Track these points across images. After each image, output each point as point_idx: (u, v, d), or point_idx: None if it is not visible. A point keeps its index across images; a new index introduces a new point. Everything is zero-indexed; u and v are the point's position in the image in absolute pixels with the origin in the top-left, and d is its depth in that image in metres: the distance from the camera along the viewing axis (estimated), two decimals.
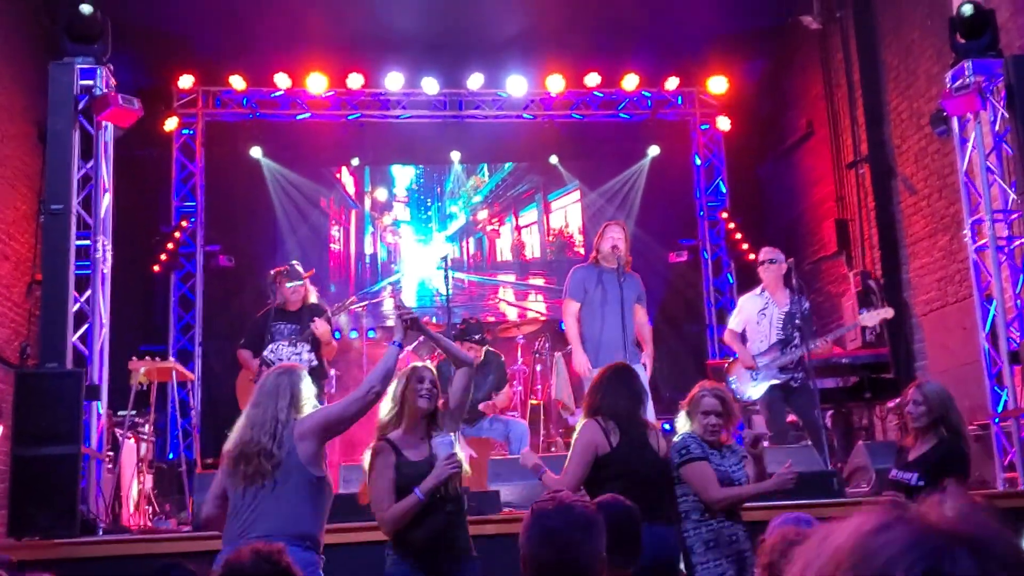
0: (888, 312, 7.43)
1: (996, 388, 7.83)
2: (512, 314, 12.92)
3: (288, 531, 3.95)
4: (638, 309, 7.46)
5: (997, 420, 7.72)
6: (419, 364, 4.66)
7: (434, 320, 11.93)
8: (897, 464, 5.16)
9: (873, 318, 7.44)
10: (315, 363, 7.28)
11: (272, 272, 7.82)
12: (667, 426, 9.69)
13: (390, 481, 4.36)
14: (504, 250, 13.38)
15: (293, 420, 4.17)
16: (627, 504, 3.50)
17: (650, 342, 7.55)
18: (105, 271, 7.39)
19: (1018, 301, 7.85)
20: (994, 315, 7.84)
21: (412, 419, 4.51)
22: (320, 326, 7.31)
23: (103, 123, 7.46)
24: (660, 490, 4.76)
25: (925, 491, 4.99)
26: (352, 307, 8.03)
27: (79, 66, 7.31)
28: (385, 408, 4.54)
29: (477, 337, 7.84)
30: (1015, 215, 7.89)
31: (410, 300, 12.87)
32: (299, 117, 12.29)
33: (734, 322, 8.05)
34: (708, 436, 4.94)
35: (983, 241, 8.02)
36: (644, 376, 7.18)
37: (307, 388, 4.33)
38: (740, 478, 4.94)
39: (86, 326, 7.16)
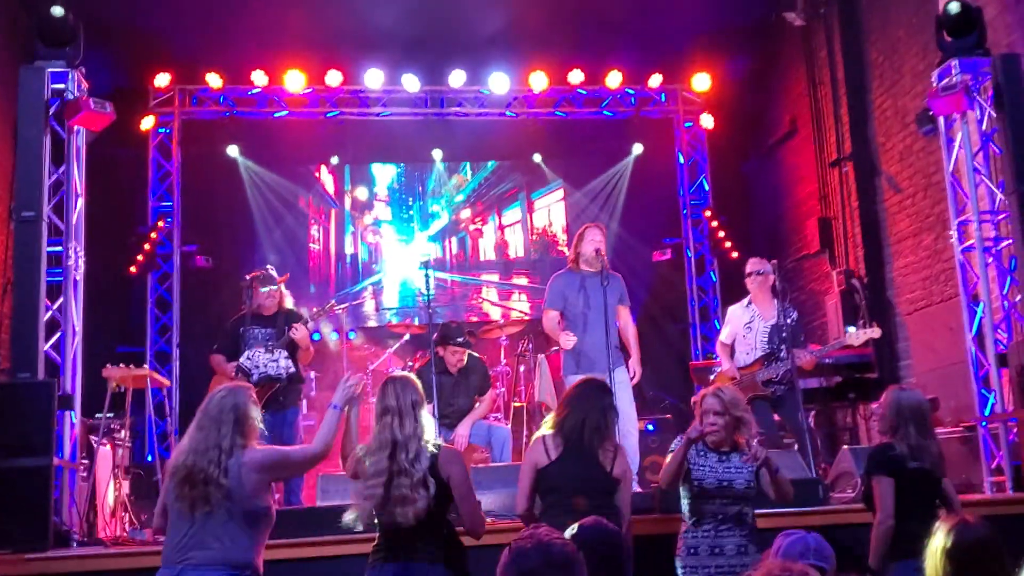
0: (876, 332, 7.34)
1: (983, 391, 7.76)
2: (495, 314, 12.82)
3: (229, 560, 3.95)
4: (621, 311, 7.36)
5: (985, 423, 7.66)
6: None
7: (416, 321, 11.84)
8: None
9: (860, 337, 7.37)
10: (292, 369, 7.18)
11: (247, 277, 7.70)
12: (650, 427, 9.67)
13: None
14: (487, 249, 13.27)
15: (240, 447, 4.06)
16: (610, 528, 3.40)
17: (636, 345, 7.44)
18: (78, 278, 7.25)
19: (1005, 303, 7.79)
20: (981, 317, 7.78)
21: None
22: (299, 331, 7.22)
23: (75, 127, 7.31)
24: (596, 506, 4.55)
25: (865, 497, 4.96)
26: (333, 310, 7.90)
27: (50, 70, 7.16)
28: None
29: (460, 340, 7.72)
30: (1002, 216, 7.82)
31: (392, 301, 12.75)
32: (277, 115, 12.13)
33: (724, 334, 8.01)
34: (708, 436, 4.89)
35: (970, 242, 7.95)
36: (627, 384, 7.08)
37: (254, 411, 4.19)
38: (739, 482, 4.84)
39: (59, 334, 7.02)
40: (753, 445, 4.87)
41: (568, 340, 7.11)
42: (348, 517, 4.31)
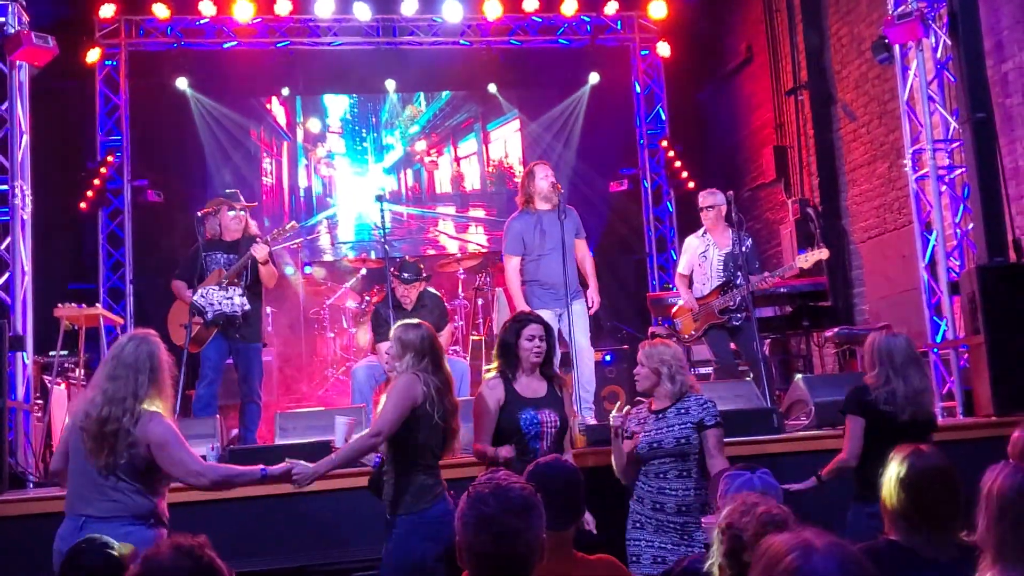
0: (824, 253, 7.39)
1: (935, 318, 7.88)
2: (452, 247, 12.76)
3: (130, 510, 3.89)
4: (578, 243, 7.34)
5: (936, 350, 7.78)
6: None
7: (373, 255, 11.75)
8: None
9: (808, 260, 7.40)
10: (247, 307, 7.03)
11: (208, 203, 7.49)
12: (608, 357, 9.73)
13: None
14: (443, 182, 13.15)
15: (152, 398, 3.97)
16: (569, 466, 3.41)
17: (594, 275, 7.44)
18: (25, 216, 7.10)
19: (958, 231, 7.87)
20: (934, 245, 7.86)
21: None
22: (260, 249, 6.97)
23: (17, 62, 7.10)
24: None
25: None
26: (291, 232, 7.69)
27: None
28: None
29: (406, 276, 7.64)
30: (956, 144, 7.86)
31: (347, 235, 12.64)
32: (226, 46, 11.85)
33: (682, 265, 8.06)
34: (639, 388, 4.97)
35: (924, 171, 7.99)
36: (583, 316, 7.08)
37: (166, 359, 4.09)
38: (668, 441, 4.73)
39: (7, 274, 6.91)
40: (614, 416, 4.88)
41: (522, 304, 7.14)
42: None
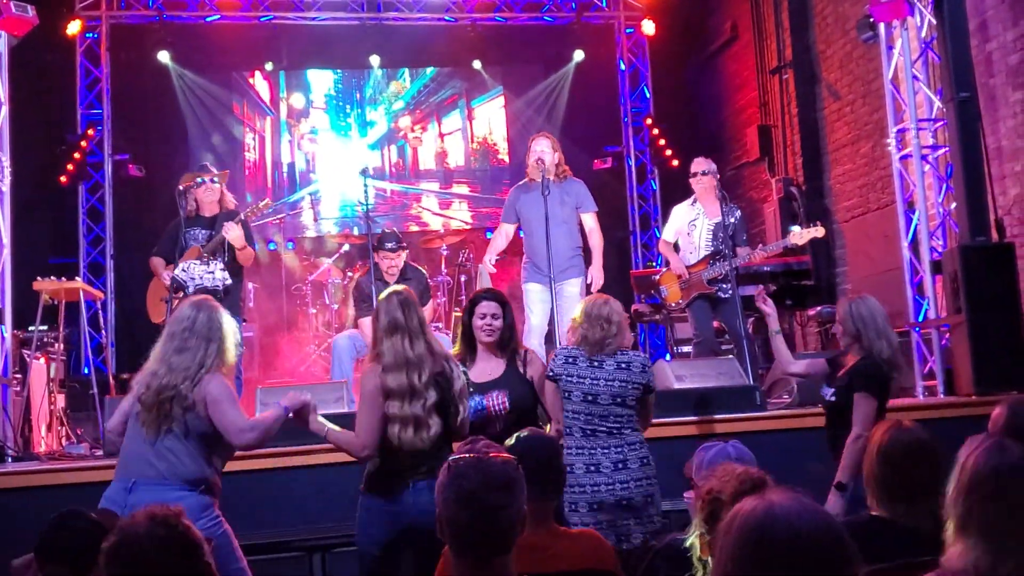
0: (820, 231, 7.30)
1: (917, 297, 7.91)
2: (436, 224, 12.72)
3: (180, 474, 3.90)
4: (585, 217, 7.34)
5: (918, 329, 7.81)
6: None
7: (355, 232, 11.70)
8: (827, 379, 5.12)
9: (803, 236, 7.34)
10: (229, 281, 6.96)
11: (183, 177, 7.42)
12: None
13: None
14: (427, 158, 13.09)
15: (216, 368, 4.00)
16: (547, 438, 3.40)
17: (599, 252, 7.38)
18: (4, 189, 7.05)
19: (940, 210, 7.89)
20: (916, 224, 7.88)
21: None
22: (232, 230, 6.92)
23: None
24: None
25: (837, 405, 4.94)
26: (266, 209, 7.62)
27: None
28: None
29: (390, 245, 7.56)
30: (939, 124, 7.87)
31: (330, 211, 12.58)
32: (208, 19, 11.76)
33: (667, 232, 7.97)
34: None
35: (907, 150, 8.01)
36: (575, 297, 7.02)
37: (230, 326, 4.13)
38: (604, 396, 4.56)
39: None
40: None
41: (486, 263, 7.34)
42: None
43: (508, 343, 4.82)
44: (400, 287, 4.49)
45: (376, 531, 4.11)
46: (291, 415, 4.17)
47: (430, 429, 4.07)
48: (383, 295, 4.37)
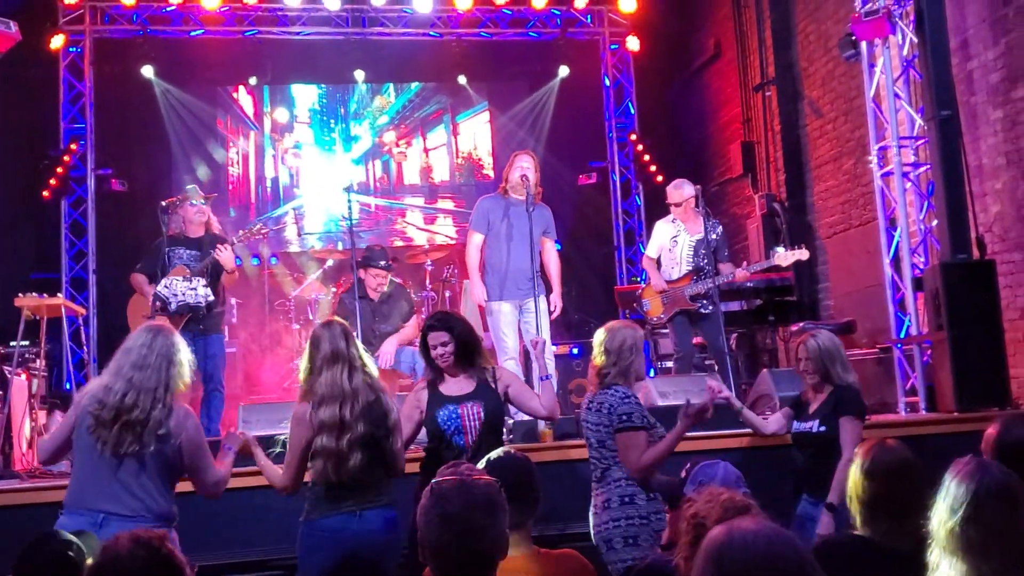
0: (804, 254, 7.36)
1: (899, 314, 7.94)
2: (420, 239, 12.72)
3: (153, 511, 3.87)
4: (546, 243, 7.33)
5: (900, 345, 7.84)
6: None
7: (339, 247, 11.68)
8: (798, 417, 5.17)
9: (788, 258, 7.38)
10: (211, 298, 6.99)
11: (163, 203, 7.43)
12: (575, 350, 9.74)
13: None
14: (412, 173, 13.09)
15: (173, 393, 3.97)
16: (520, 458, 3.39)
17: (558, 280, 7.42)
18: None
19: (922, 227, 7.94)
20: (898, 241, 7.92)
21: None
22: (224, 252, 7.03)
23: None
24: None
25: (826, 436, 5.00)
26: (260, 233, 7.69)
27: None
28: None
29: (382, 264, 7.61)
30: (921, 141, 7.92)
31: (314, 226, 12.56)
32: (193, 34, 11.73)
33: (651, 248, 8.02)
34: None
35: (889, 167, 8.05)
36: (545, 313, 7.05)
37: (187, 352, 4.13)
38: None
39: None
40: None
41: (478, 295, 7.22)
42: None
43: (469, 355, 4.80)
44: (336, 318, 4.57)
45: (319, 557, 4.05)
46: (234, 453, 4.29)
47: (354, 461, 4.06)
48: (322, 323, 4.38)
